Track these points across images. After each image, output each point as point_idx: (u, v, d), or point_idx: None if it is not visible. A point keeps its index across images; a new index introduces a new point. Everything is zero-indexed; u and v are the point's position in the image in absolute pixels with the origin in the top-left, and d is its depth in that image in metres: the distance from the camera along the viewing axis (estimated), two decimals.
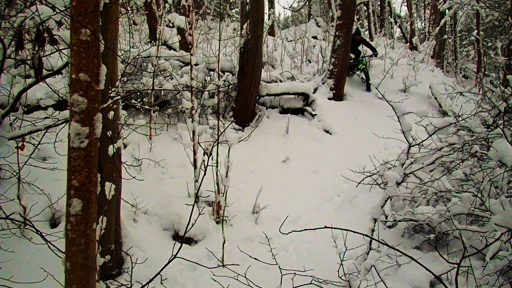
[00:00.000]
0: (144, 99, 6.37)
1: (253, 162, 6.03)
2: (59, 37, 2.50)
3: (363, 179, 5.53)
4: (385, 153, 6.45)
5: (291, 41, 13.33)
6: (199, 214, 2.61)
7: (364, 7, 18.24)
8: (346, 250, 3.26)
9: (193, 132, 4.69)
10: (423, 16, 23.71)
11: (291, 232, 3.57)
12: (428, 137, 3.63)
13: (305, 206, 5.20)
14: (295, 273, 3.27)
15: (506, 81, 4.01)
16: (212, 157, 4.22)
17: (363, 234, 2.53)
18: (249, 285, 3.18)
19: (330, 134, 7.22)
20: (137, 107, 5.95)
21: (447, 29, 17.56)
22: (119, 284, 2.44)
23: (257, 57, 7.02)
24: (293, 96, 7.89)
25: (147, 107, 5.92)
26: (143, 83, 6.36)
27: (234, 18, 16.87)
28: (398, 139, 4.82)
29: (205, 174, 2.25)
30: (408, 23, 15.95)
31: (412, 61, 11.55)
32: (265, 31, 9.12)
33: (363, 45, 9.55)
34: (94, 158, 1.93)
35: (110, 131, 2.64)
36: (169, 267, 2.21)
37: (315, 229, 4.21)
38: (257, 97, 7.48)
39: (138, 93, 6.35)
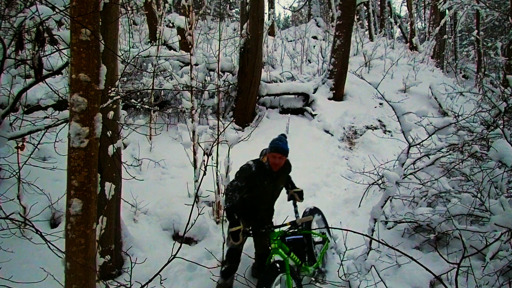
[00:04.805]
0: (144, 99, 6.37)
1: None
2: (59, 37, 2.50)
3: (363, 179, 5.53)
4: (385, 153, 6.45)
5: (291, 41, 13.35)
6: (199, 214, 2.61)
7: (364, 7, 18.25)
8: (346, 250, 3.26)
9: (193, 132, 4.68)
10: (423, 16, 23.71)
11: (290, 232, 3.58)
12: (428, 137, 3.63)
13: (305, 206, 5.19)
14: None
15: (506, 81, 4.01)
16: (212, 157, 4.22)
17: (363, 234, 2.53)
18: (248, 285, 3.19)
19: (332, 134, 7.22)
20: (137, 107, 5.95)
21: (447, 29, 17.55)
22: (119, 284, 2.43)
23: (257, 57, 7.03)
24: (293, 96, 7.90)
25: (147, 107, 5.92)
26: (143, 83, 6.36)
27: (234, 18, 16.88)
28: (398, 139, 4.82)
29: (205, 174, 2.24)
30: (408, 23, 15.95)
31: (412, 61, 11.56)
32: (265, 31, 9.13)
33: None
34: (94, 158, 1.93)
35: (110, 131, 2.64)
36: (169, 267, 2.21)
37: (315, 229, 4.21)
38: (257, 97, 7.48)
39: (138, 93, 6.35)
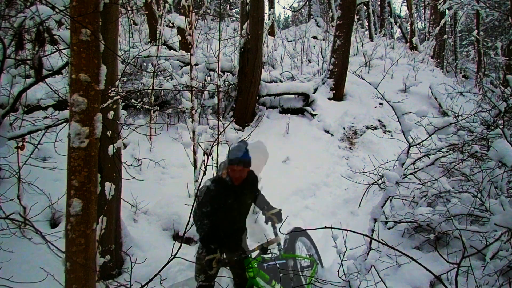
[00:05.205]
0: (144, 99, 6.37)
1: None
2: (59, 37, 2.50)
3: (363, 179, 5.53)
4: (385, 153, 6.45)
5: (291, 41, 13.36)
6: None
7: (364, 7, 18.24)
8: (346, 250, 3.26)
9: (193, 132, 4.69)
10: (423, 16, 23.72)
11: (290, 232, 3.58)
12: (428, 137, 3.63)
13: (305, 207, 5.19)
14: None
15: (506, 81, 4.01)
16: (212, 157, 4.22)
17: (363, 234, 2.53)
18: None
19: (332, 134, 7.22)
20: (137, 107, 5.95)
21: (447, 29, 17.55)
22: (119, 284, 2.43)
23: (257, 57, 7.03)
24: (293, 96, 7.90)
25: (147, 107, 5.92)
26: (143, 83, 6.36)
27: (234, 18, 16.89)
28: (398, 139, 4.82)
29: (205, 174, 2.24)
30: (408, 23, 15.95)
31: (412, 61, 11.56)
32: (265, 31, 9.13)
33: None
34: (94, 158, 1.93)
35: (110, 131, 2.64)
36: (169, 267, 2.21)
37: (315, 229, 4.20)
38: (257, 97, 7.48)
39: (138, 93, 6.35)
